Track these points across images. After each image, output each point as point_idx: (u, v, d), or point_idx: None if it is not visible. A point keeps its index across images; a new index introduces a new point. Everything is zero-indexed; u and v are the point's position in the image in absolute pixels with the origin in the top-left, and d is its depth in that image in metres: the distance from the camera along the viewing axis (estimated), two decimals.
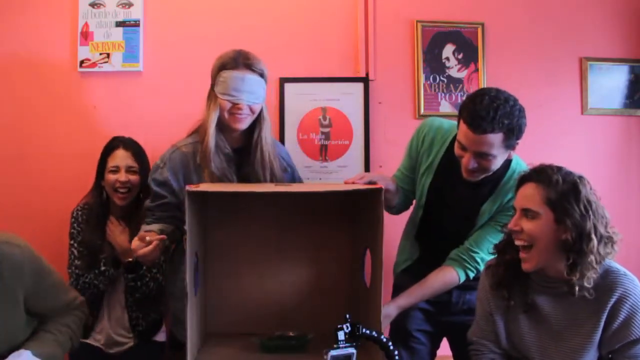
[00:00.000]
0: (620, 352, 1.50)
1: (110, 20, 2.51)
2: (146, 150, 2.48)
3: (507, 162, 1.87)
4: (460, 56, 2.66)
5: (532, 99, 2.66)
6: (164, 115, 2.54)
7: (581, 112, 2.76)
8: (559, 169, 1.56)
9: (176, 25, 2.55)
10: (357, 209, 1.88)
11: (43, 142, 2.49)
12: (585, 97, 2.75)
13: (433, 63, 2.65)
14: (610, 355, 1.54)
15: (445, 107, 2.65)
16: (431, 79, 2.65)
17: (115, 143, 2.25)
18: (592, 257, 1.47)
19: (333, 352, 1.40)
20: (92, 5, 2.50)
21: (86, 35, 2.49)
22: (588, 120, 2.76)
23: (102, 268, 2.16)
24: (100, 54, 2.50)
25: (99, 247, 2.18)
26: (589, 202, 1.50)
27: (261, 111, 1.92)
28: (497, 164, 1.78)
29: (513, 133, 1.71)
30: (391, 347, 1.48)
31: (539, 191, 1.52)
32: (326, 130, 2.58)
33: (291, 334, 1.82)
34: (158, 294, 2.23)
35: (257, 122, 1.92)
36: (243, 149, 1.95)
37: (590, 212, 1.49)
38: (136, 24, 2.52)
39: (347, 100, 2.58)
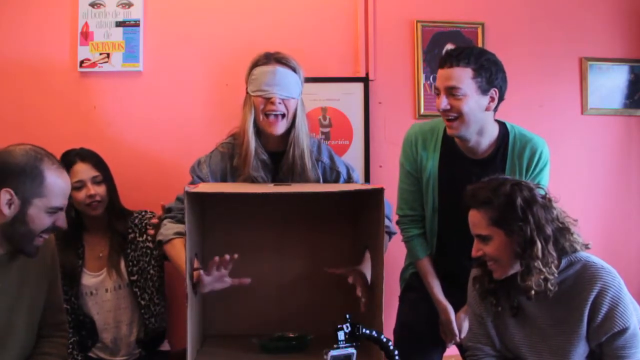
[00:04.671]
0: (607, 344, 1.52)
1: (110, 20, 2.51)
2: (145, 150, 2.47)
3: (503, 129, 1.90)
4: None
5: (532, 99, 2.67)
6: (164, 115, 2.53)
7: (581, 112, 2.76)
8: (490, 183, 1.58)
9: (176, 25, 2.55)
10: (357, 209, 1.88)
11: (43, 142, 2.43)
12: (585, 97, 2.75)
13: (433, 63, 2.64)
14: (599, 348, 1.55)
15: None
16: (431, 79, 2.64)
17: (70, 158, 2.11)
18: (538, 262, 1.49)
19: (333, 352, 1.40)
20: (92, 5, 2.50)
21: (86, 35, 2.49)
22: (588, 120, 2.76)
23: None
24: (100, 54, 2.50)
25: (78, 270, 2.12)
26: (527, 205, 1.52)
27: (296, 112, 1.87)
28: (470, 105, 1.79)
29: (482, 72, 1.78)
30: (391, 347, 1.49)
31: (481, 215, 1.56)
32: (326, 130, 2.58)
33: (291, 334, 1.82)
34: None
35: (293, 124, 1.87)
36: (281, 153, 1.89)
37: (530, 216, 1.51)
38: (136, 24, 2.51)
39: (347, 100, 2.58)
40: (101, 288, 2.15)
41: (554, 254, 1.51)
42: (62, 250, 2.11)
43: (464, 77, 1.77)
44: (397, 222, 2.07)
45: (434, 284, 1.98)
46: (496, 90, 1.81)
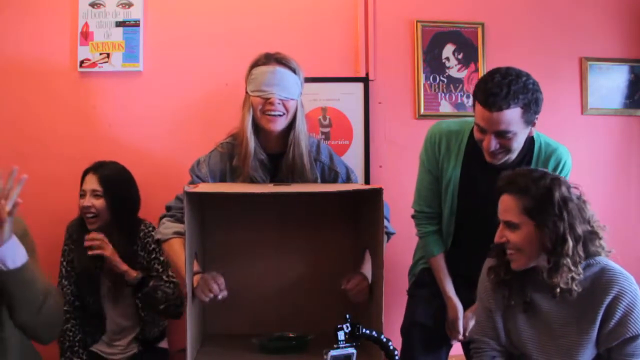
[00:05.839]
0: (617, 349, 1.51)
1: (110, 20, 2.51)
2: (144, 150, 2.46)
3: (530, 138, 1.85)
4: (460, 56, 2.66)
5: None
6: (164, 115, 2.53)
7: (581, 112, 2.76)
8: (531, 173, 1.56)
9: (176, 25, 2.55)
10: (357, 209, 1.88)
11: (43, 142, 2.48)
12: (585, 97, 2.75)
13: (433, 63, 2.65)
14: (607, 353, 1.54)
15: (445, 107, 2.65)
16: (431, 79, 2.65)
17: (88, 167, 2.20)
18: (567, 260, 1.48)
19: (333, 352, 1.40)
20: (92, 5, 2.50)
21: (86, 35, 2.49)
22: (588, 120, 2.76)
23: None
24: (100, 54, 2.50)
25: (96, 272, 2.15)
26: (564, 202, 1.50)
27: (296, 112, 1.86)
28: (519, 142, 1.76)
29: (530, 107, 1.70)
30: (391, 347, 1.48)
31: (515, 202, 1.53)
32: (326, 130, 2.58)
33: (291, 334, 1.82)
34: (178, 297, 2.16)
35: (292, 125, 1.86)
36: (280, 155, 1.89)
37: (565, 213, 1.49)
38: (136, 24, 2.51)
39: (347, 100, 2.58)
40: (109, 293, 2.19)
41: (582, 254, 1.50)
42: (77, 248, 2.18)
43: (514, 119, 1.70)
44: (413, 217, 2.07)
45: (446, 281, 1.98)
46: (538, 116, 1.76)
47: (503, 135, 1.73)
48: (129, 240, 2.17)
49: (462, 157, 1.92)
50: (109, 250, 2.09)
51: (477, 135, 1.80)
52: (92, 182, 2.17)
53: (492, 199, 1.89)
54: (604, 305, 1.50)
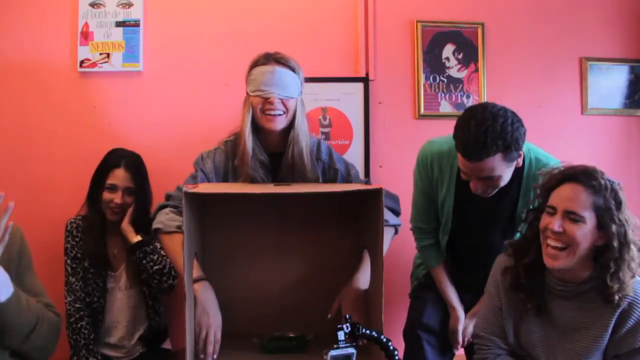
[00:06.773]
0: (625, 358, 1.50)
1: (110, 20, 2.51)
2: (145, 150, 2.46)
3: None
4: (460, 56, 2.66)
5: (532, 99, 2.68)
6: (164, 115, 2.53)
7: (581, 112, 2.76)
8: (602, 172, 1.51)
9: (176, 25, 2.55)
10: (357, 210, 1.88)
11: (43, 142, 2.48)
12: (585, 97, 2.75)
13: (433, 63, 2.65)
14: None
15: (445, 107, 2.65)
16: (431, 79, 2.65)
17: (116, 161, 2.19)
18: (633, 264, 1.45)
19: (333, 352, 1.40)
20: (92, 5, 2.50)
21: (86, 35, 2.49)
22: (588, 120, 2.76)
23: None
24: (100, 54, 2.50)
25: (107, 258, 2.17)
26: (626, 209, 1.48)
27: (296, 111, 1.86)
28: (505, 179, 1.75)
29: (511, 148, 1.67)
30: (391, 347, 1.49)
31: (587, 195, 1.46)
32: (326, 130, 2.58)
33: (291, 334, 1.82)
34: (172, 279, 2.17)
35: (292, 124, 1.86)
36: (281, 155, 1.88)
37: (626, 221, 1.46)
38: (136, 24, 2.51)
39: (347, 100, 2.58)
40: (115, 287, 2.20)
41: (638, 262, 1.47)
42: (92, 238, 2.17)
43: (496, 165, 1.67)
44: (411, 230, 2.10)
45: (449, 291, 2.01)
46: (521, 152, 1.74)
47: (488, 179, 1.73)
48: (146, 227, 2.15)
49: (455, 178, 1.92)
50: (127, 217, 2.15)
51: (463, 176, 1.79)
52: (126, 180, 2.16)
53: (486, 215, 1.90)
54: (617, 312, 1.49)
